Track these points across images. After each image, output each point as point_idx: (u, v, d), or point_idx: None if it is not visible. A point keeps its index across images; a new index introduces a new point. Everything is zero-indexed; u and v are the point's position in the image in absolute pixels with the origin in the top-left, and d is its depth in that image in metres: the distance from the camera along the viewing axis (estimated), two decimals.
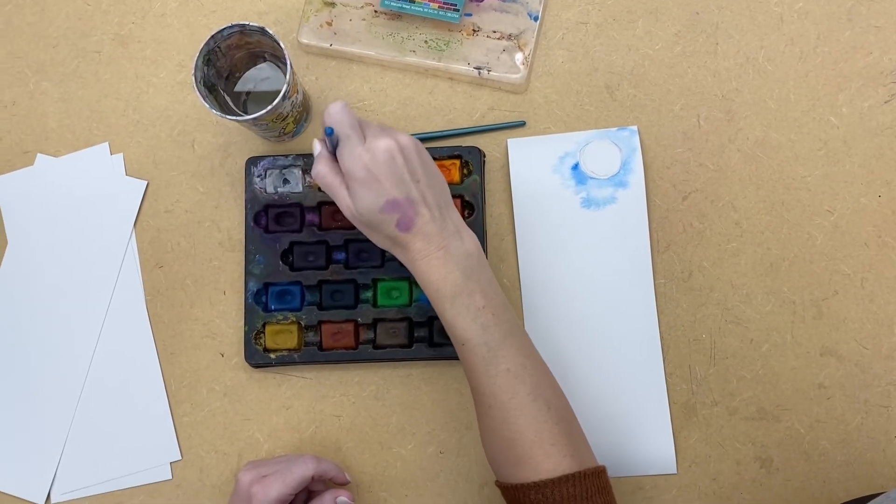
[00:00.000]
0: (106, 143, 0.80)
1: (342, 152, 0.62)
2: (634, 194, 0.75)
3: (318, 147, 0.64)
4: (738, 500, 0.71)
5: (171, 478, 0.75)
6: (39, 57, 0.82)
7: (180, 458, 0.76)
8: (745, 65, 0.76)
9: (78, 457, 0.76)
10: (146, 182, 0.79)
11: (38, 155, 0.80)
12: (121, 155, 0.80)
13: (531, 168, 0.76)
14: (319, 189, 0.76)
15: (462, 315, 0.61)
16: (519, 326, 0.64)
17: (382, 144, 0.61)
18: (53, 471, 0.76)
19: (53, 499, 0.76)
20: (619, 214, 0.75)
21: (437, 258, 0.62)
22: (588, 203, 0.75)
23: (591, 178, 0.75)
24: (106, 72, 0.81)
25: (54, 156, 0.80)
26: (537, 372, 0.62)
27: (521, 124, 0.77)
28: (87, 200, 0.79)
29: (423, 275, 0.62)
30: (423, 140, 0.77)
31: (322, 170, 0.63)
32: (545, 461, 0.60)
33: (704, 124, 0.76)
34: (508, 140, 0.77)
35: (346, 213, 0.63)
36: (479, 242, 0.64)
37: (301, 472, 0.65)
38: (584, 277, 0.74)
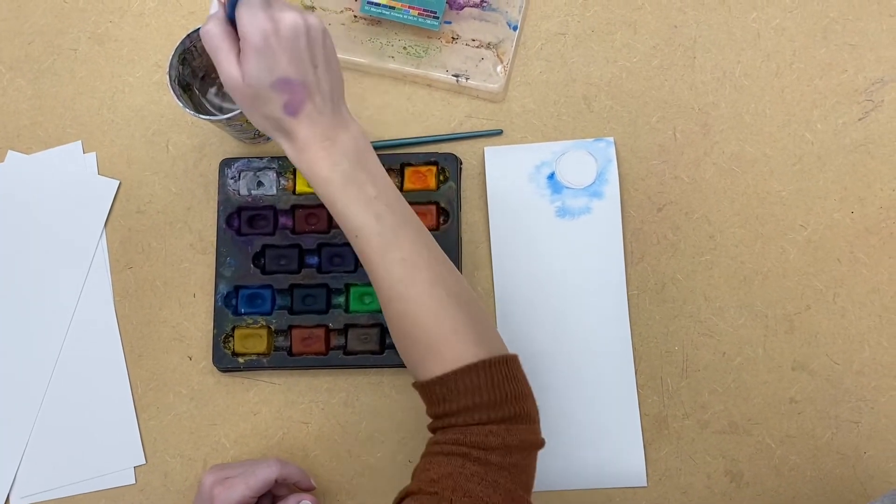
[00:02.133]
0: (79, 142, 0.79)
1: (242, 12, 0.55)
2: (609, 205, 0.75)
3: (215, 5, 0.57)
4: None
5: (134, 482, 0.74)
6: (14, 53, 0.81)
7: (144, 462, 0.74)
8: (721, 79, 0.77)
9: (39, 459, 0.74)
10: (118, 182, 0.78)
11: (9, 152, 0.79)
12: (93, 154, 0.79)
13: (507, 176, 0.76)
14: (294, 192, 0.76)
15: (353, 204, 0.58)
16: (415, 218, 0.61)
17: (289, 18, 0.55)
18: (13, 473, 0.74)
19: (13, 502, 0.74)
20: (594, 225, 0.75)
21: (324, 148, 0.58)
22: (563, 212, 0.75)
23: (567, 187, 0.75)
24: (81, 70, 0.80)
25: (26, 153, 0.79)
26: (435, 261, 0.60)
27: (498, 133, 0.77)
28: (57, 199, 0.78)
29: (309, 164, 0.58)
30: (399, 146, 0.77)
31: (213, 29, 0.56)
32: (448, 350, 0.57)
33: (680, 137, 0.76)
34: (485, 148, 0.76)
35: (229, 82, 0.56)
36: (365, 134, 0.61)
37: (265, 475, 0.64)
38: (558, 287, 0.74)
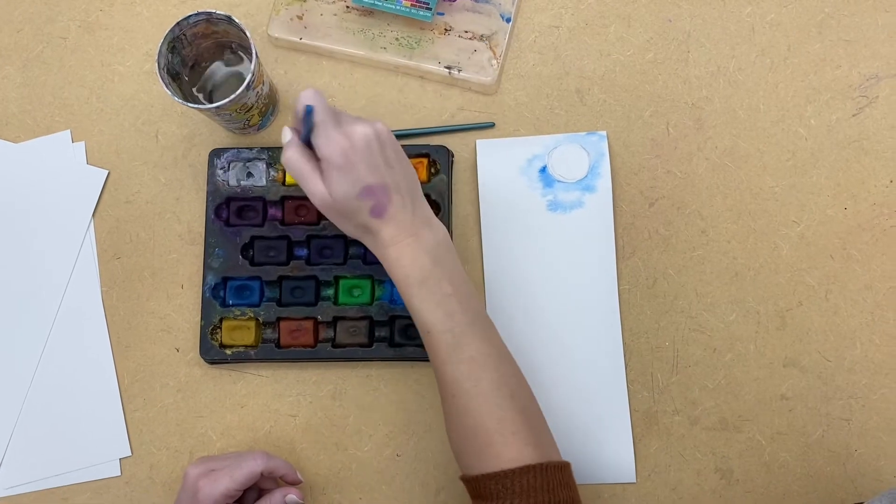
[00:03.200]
0: (68, 131, 0.78)
1: (319, 137, 0.60)
2: (601, 199, 0.74)
3: (288, 133, 0.62)
4: None
5: (119, 474, 0.73)
6: (3, 41, 0.80)
7: (130, 454, 0.73)
8: (715, 74, 0.76)
9: (24, 450, 0.74)
10: (107, 171, 0.78)
11: None
12: (82, 143, 0.78)
13: (499, 169, 0.75)
14: (283, 183, 0.75)
15: (428, 301, 0.61)
16: (485, 315, 0.64)
17: (360, 130, 0.60)
18: None
19: None
20: (586, 219, 0.74)
21: (408, 245, 0.61)
22: (555, 206, 0.74)
23: (559, 181, 0.75)
24: (71, 58, 0.80)
25: (13, 142, 0.79)
26: (501, 361, 0.62)
27: (490, 126, 0.76)
28: (45, 188, 0.78)
29: (391, 261, 0.62)
30: None
31: (293, 155, 0.61)
32: (506, 450, 0.58)
33: (673, 131, 0.75)
34: (477, 141, 0.76)
35: (318, 200, 0.61)
36: (447, 232, 0.64)
37: (250, 467, 0.63)
38: (549, 281, 0.73)
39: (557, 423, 0.70)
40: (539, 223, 0.74)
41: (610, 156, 0.75)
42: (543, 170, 0.75)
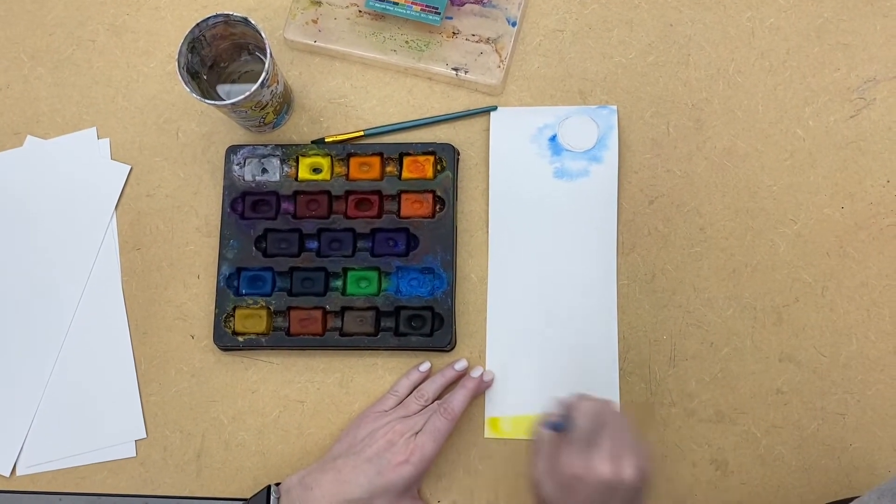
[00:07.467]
0: (94, 128, 0.83)
1: (563, 448, 0.59)
2: (607, 170, 0.76)
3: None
4: (692, 502, 0.72)
5: (135, 455, 0.76)
6: (36, 43, 0.85)
7: (145, 436, 0.77)
8: (715, 76, 0.78)
9: (45, 431, 0.77)
10: (130, 166, 0.81)
11: (28, 136, 0.83)
12: (107, 140, 0.82)
13: (510, 136, 0.78)
14: (296, 179, 0.78)
15: None
16: None
17: (603, 471, 0.56)
18: (21, 444, 0.77)
19: (19, 471, 0.77)
20: (591, 188, 0.76)
21: None
22: (561, 174, 0.77)
23: (567, 150, 0.77)
24: (99, 60, 0.84)
25: (43, 138, 0.83)
26: None
27: (493, 109, 0.79)
28: (72, 181, 0.82)
29: None
30: (396, 131, 0.79)
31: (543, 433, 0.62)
32: None
33: (673, 132, 0.78)
34: (492, 113, 0.78)
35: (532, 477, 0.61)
36: None
37: (447, 429, 0.70)
38: (551, 251, 0.76)
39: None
40: (545, 189, 0.77)
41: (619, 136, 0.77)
42: (553, 138, 0.77)
